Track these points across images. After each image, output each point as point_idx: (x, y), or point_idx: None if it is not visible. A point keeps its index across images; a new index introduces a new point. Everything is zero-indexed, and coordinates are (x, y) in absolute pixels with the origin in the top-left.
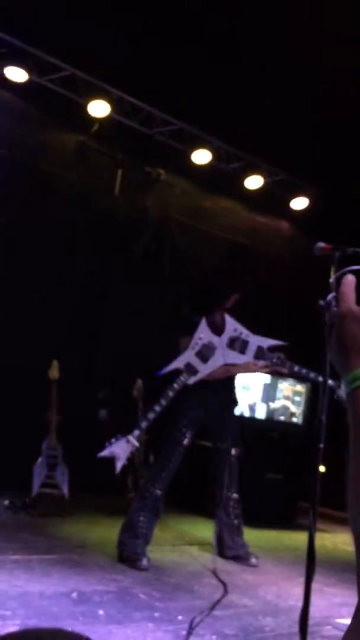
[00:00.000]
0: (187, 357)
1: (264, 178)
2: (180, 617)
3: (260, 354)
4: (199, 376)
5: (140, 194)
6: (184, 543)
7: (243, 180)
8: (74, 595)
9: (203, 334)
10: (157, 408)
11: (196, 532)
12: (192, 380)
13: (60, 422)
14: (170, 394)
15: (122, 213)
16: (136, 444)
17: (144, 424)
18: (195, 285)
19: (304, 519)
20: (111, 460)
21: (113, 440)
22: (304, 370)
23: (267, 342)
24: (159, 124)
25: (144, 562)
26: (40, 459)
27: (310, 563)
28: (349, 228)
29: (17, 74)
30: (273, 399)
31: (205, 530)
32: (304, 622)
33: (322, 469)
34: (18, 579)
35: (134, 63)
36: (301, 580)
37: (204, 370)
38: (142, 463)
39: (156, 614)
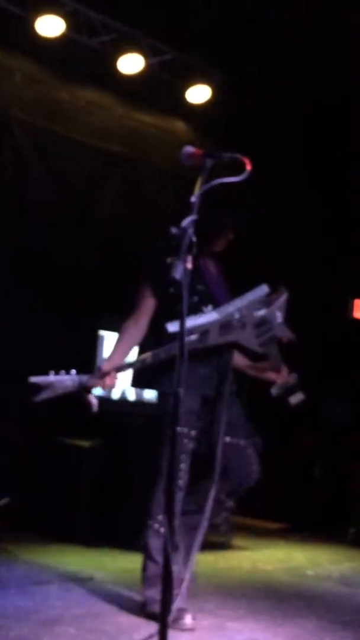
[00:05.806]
0: (210, 324)
1: (146, 58)
2: None
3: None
4: (203, 345)
5: None
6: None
7: (115, 61)
8: None
9: (247, 308)
10: (141, 358)
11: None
12: (196, 345)
13: None
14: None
15: None
16: (86, 384)
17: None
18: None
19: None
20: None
21: (62, 372)
22: None
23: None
24: None
25: None
26: None
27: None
28: (262, 125)
29: None
30: None
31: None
32: None
33: None
34: None
35: None
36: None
37: (213, 341)
38: None
39: None
